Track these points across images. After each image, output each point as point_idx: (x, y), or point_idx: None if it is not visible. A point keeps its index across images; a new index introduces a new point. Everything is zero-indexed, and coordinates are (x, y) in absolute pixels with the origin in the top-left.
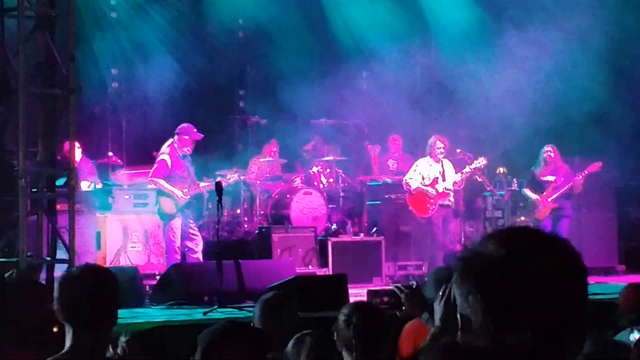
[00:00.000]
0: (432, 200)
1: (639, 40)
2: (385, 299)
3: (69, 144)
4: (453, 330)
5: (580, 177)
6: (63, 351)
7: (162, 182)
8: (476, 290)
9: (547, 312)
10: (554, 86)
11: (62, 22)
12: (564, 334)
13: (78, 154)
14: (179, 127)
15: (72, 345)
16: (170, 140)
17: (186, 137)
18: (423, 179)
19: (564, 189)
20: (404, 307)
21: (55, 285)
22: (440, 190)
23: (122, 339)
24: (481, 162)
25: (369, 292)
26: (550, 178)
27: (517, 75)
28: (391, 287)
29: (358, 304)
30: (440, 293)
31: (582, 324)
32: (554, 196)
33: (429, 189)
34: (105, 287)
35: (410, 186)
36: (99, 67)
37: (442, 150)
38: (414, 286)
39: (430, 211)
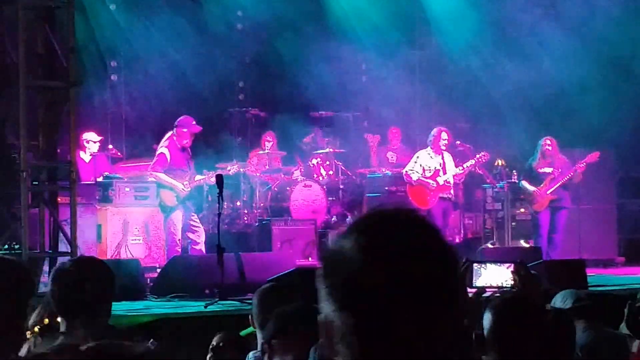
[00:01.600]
0: (432, 193)
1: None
2: None
3: (71, 136)
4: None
5: (578, 167)
6: (56, 343)
7: (162, 175)
8: (330, 288)
9: (403, 300)
10: (553, 77)
11: (62, 14)
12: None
13: (95, 147)
14: (178, 120)
15: (65, 338)
16: (169, 133)
17: (185, 130)
18: (424, 170)
19: (561, 181)
20: None
21: (49, 279)
22: (441, 183)
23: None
24: (483, 156)
25: None
26: (548, 170)
27: (516, 66)
28: None
29: None
30: None
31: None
32: (552, 188)
33: (430, 181)
34: (98, 279)
35: (411, 178)
36: (98, 60)
37: (446, 142)
38: None
39: (430, 203)
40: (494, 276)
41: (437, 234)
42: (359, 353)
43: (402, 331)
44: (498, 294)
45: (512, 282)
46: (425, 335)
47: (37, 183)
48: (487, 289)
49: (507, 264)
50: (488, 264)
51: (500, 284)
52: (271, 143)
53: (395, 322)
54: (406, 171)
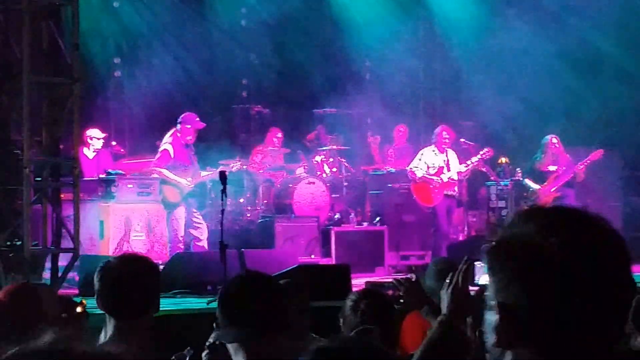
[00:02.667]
0: (436, 190)
1: None
2: (390, 292)
3: (74, 133)
4: (460, 318)
5: (582, 165)
6: (104, 341)
7: (165, 171)
8: (519, 275)
9: (595, 297)
10: (558, 75)
11: (66, 11)
12: (612, 323)
13: (99, 143)
14: (181, 116)
15: (113, 335)
16: (173, 130)
17: (189, 126)
18: (428, 168)
19: (565, 179)
20: (402, 300)
21: (95, 277)
22: (446, 180)
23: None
24: (487, 153)
25: (367, 284)
26: (552, 168)
27: (521, 64)
28: (389, 279)
29: (366, 290)
30: (448, 280)
31: (626, 312)
32: (556, 186)
33: (435, 178)
34: (143, 276)
35: (415, 175)
36: (101, 56)
37: (448, 140)
38: (413, 279)
39: (435, 201)
40: None
41: (615, 232)
42: (546, 339)
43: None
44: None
45: None
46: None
47: (40, 179)
48: None
49: None
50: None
51: None
52: (279, 138)
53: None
54: (410, 168)
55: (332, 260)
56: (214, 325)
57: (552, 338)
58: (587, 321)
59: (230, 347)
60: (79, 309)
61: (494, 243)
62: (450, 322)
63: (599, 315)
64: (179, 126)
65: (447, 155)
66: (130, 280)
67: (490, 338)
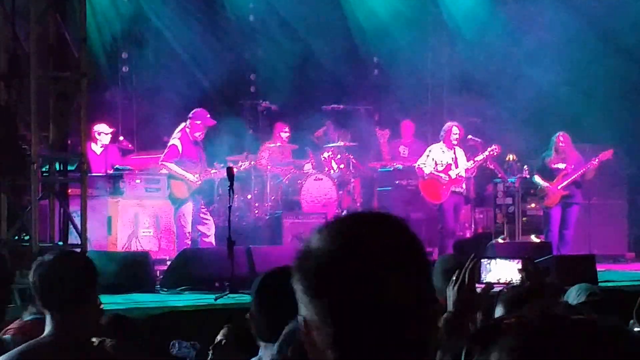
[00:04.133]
0: (444, 187)
1: None
2: None
3: (81, 128)
4: (466, 316)
5: (591, 164)
6: (43, 334)
7: (173, 166)
8: (308, 289)
9: (379, 304)
10: (566, 73)
11: (73, 5)
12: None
13: (107, 139)
14: (192, 112)
15: (52, 329)
16: (182, 125)
17: (198, 122)
18: (436, 164)
19: (574, 177)
20: None
21: (31, 271)
22: (454, 177)
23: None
24: (494, 149)
25: None
26: (561, 165)
27: (529, 61)
28: None
29: None
30: (454, 278)
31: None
32: (564, 184)
33: (442, 175)
34: (78, 271)
35: (423, 172)
36: (110, 51)
37: (457, 137)
38: None
39: (442, 197)
40: (502, 272)
41: (411, 235)
42: (335, 350)
43: (373, 327)
44: (506, 290)
45: (520, 278)
46: (395, 335)
47: (47, 174)
48: (496, 285)
49: (516, 260)
50: (497, 260)
51: (508, 280)
52: (287, 134)
53: (365, 318)
54: (418, 165)
55: None
56: (248, 315)
57: (351, 352)
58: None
59: (261, 343)
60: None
61: (295, 260)
62: (457, 319)
63: (387, 333)
64: (188, 122)
65: (455, 153)
66: (62, 274)
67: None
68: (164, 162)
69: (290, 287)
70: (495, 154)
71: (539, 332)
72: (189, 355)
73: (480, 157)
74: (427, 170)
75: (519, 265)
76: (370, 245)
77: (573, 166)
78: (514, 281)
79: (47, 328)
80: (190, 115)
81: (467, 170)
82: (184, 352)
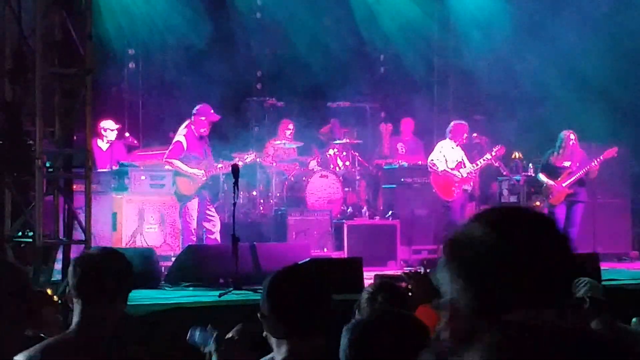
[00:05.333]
0: (457, 184)
1: None
2: (403, 284)
3: (86, 124)
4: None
5: (596, 162)
6: (68, 330)
7: (178, 163)
8: (466, 274)
9: (536, 292)
10: (571, 71)
11: (79, 1)
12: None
13: (113, 135)
14: (196, 108)
15: (78, 322)
16: (187, 121)
17: (203, 118)
18: (447, 161)
19: (578, 175)
20: (410, 293)
21: (71, 264)
22: (465, 175)
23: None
24: (499, 150)
25: (376, 277)
26: (566, 164)
27: (534, 60)
28: (399, 272)
29: (383, 283)
30: None
31: (566, 298)
32: (569, 182)
33: (455, 172)
34: (120, 269)
35: (437, 167)
36: (116, 47)
37: (466, 136)
38: (422, 272)
39: (454, 195)
40: None
41: (563, 235)
42: (494, 335)
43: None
44: None
45: None
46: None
47: (52, 170)
48: None
49: None
50: None
51: None
52: (291, 131)
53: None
54: (432, 160)
55: (345, 254)
56: (259, 315)
57: (505, 333)
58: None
59: (273, 341)
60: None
61: (446, 243)
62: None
63: (537, 311)
64: (193, 118)
65: (461, 150)
66: (103, 269)
67: (443, 336)
68: (168, 159)
69: (301, 285)
70: (499, 154)
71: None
72: (208, 341)
73: (484, 159)
74: (440, 167)
75: None
76: (526, 234)
77: (578, 164)
78: None
79: (74, 320)
80: (194, 111)
81: (470, 172)
82: (206, 337)
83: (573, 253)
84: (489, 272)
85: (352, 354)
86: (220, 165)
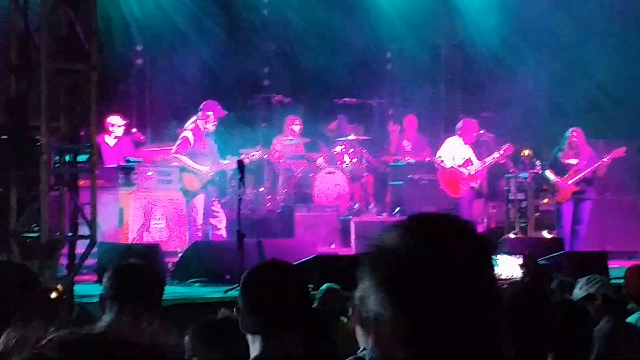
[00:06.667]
0: (464, 181)
1: None
2: None
3: (91, 120)
4: None
5: (603, 161)
6: (105, 323)
7: (185, 158)
8: (384, 287)
9: (455, 300)
10: (580, 68)
11: None
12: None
13: (120, 131)
14: (203, 104)
15: (114, 320)
16: (194, 117)
17: (210, 114)
18: (454, 158)
19: (585, 173)
20: None
21: (112, 269)
22: (472, 172)
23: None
24: (507, 149)
25: None
26: (573, 161)
27: (543, 56)
28: None
29: None
30: None
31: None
32: (575, 179)
33: (463, 169)
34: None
35: (444, 164)
36: (124, 43)
37: (476, 135)
38: None
39: (462, 192)
40: (505, 267)
41: (476, 235)
42: (409, 349)
43: (450, 323)
44: (506, 286)
45: (522, 274)
46: (472, 325)
47: (58, 166)
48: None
49: (518, 256)
50: (500, 255)
51: (510, 276)
52: (299, 126)
53: (441, 314)
54: (440, 157)
55: (352, 251)
56: (234, 310)
57: (425, 348)
58: (449, 335)
59: (249, 337)
60: (53, 295)
61: (364, 255)
62: None
63: (461, 329)
64: (200, 114)
65: (470, 148)
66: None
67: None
68: (175, 154)
69: (276, 280)
70: (507, 153)
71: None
72: None
73: (493, 157)
74: (448, 164)
75: (521, 261)
76: (445, 243)
77: (585, 162)
78: (515, 277)
79: (107, 318)
80: (201, 107)
81: (477, 169)
82: None
83: (487, 259)
84: (404, 285)
85: None
86: (226, 162)
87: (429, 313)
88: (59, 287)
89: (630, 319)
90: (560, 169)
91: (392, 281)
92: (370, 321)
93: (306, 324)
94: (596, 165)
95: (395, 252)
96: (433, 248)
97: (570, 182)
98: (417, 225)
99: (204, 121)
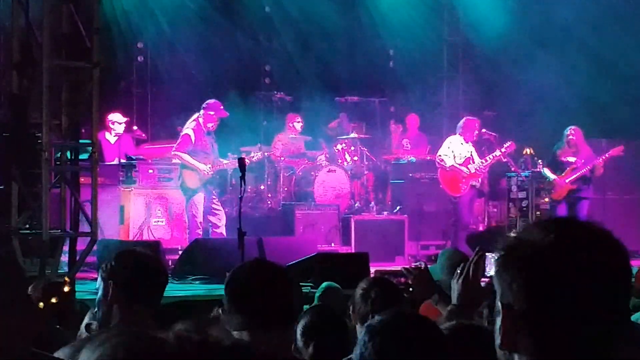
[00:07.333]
0: (464, 180)
1: None
2: (403, 280)
3: (92, 117)
4: (470, 308)
5: (601, 160)
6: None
7: (186, 156)
8: (521, 278)
9: (592, 300)
10: (581, 67)
11: None
12: (607, 324)
13: (120, 128)
14: (206, 103)
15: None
16: (195, 115)
17: (212, 113)
18: (454, 157)
19: (582, 171)
20: (411, 289)
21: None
22: (473, 171)
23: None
24: (509, 147)
25: (377, 273)
26: (571, 159)
27: (544, 55)
28: (399, 268)
29: (376, 278)
30: (459, 270)
31: (623, 316)
32: (572, 177)
33: (463, 168)
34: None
35: (445, 163)
36: (125, 41)
37: (477, 133)
38: (422, 268)
39: (462, 190)
40: None
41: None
42: (541, 342)
43: (585, 323)
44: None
45: None
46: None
47: (59, 163)
48: None
49: None
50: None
51: None
52: (300, 124)
53: (578, 315)
54: (440, 155)
55: (352, 249)
56: (220, 309)
57: (552, 342)
58: (586, 327)
59: (235, 335)
60: (66, 288)
61: (501, 249)
62: (461, 312)
63: (596, 322)
64: (202, 112)
65: (471, 146)
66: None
67: (497, 339)
68: (176, 152)
69: (259, 277)
70: (509, 150)
71: None
72: None
73: (494, 155)
74: (448, 162)
75: None
76: (585, 240)
77: (583, 160)
78: None
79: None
80: (204, 105)
81: (480, 166)
82: None
83: (629, 275)
84: (544, 278)
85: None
86: (226, 161)
87: (567, 309)
88: (66, 278)
89: (634, 317)
90: (558, 167)
91: (533, 274)
92: (503, 311)
93: (293, 321)
94: (593, 163)
95: (542, 248)
96: (587, 249)
97: (567, 180)
98: (567, 225)
99: (205, 120)
